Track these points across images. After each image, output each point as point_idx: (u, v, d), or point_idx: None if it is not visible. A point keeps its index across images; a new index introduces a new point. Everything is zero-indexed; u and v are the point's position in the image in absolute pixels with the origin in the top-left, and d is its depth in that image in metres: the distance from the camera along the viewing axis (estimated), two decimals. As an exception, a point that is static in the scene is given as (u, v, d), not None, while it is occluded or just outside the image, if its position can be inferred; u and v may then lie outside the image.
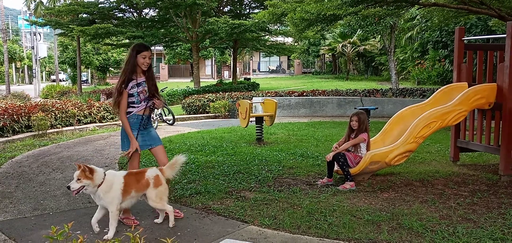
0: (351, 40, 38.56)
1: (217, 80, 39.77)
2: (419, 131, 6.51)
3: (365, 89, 20.04)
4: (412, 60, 31.35)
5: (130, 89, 4.95)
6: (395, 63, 25.97)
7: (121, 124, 5.07)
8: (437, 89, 7.90)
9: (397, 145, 6.56)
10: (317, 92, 19.07)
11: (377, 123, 12.67)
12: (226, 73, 53.54)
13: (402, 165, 7.27)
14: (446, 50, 27.15)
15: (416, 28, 29.21)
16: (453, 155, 7.98)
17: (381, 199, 5.77)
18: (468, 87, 7.12)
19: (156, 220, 5.01)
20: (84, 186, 4.38)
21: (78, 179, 4.34)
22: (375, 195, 5.94)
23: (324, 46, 43.49)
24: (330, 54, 46.16)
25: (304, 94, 18.58)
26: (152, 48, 45.16)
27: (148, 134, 5.18)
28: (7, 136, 11.15)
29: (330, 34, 40.12)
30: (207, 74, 58.63)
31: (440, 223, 4.85)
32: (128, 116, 5.03)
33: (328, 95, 18.26)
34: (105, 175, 4.54)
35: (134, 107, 5.03)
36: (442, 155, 8.60)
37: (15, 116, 11.73)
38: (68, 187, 4.36)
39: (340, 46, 39.24)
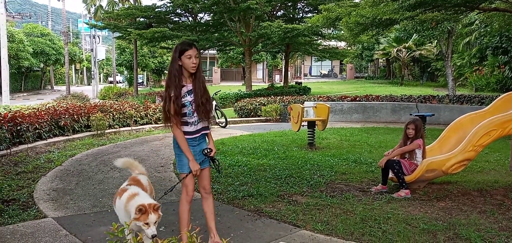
0: (407, 45, 37.70)
1: (268, 84, 39.86)
2: (478, 139, 6.30)
3: (420, 95, 19.56)
4: (470, 66, 30.32)
5: (182, 98, 4.06)
6: (452, 69, 25.21)
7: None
8: (496, 97, 7.64)
9: (455, 153, 6.38)
10: (370, 97, 18.78)
11: (433, 130, 12.35)
12: (277, 77, 53.55)
13: (459, 174, 7.05)
14: (506, 56, 26.12)
15: (475, 33, 28.26)
16: (514, 165, 7.68)
17: (437, 208, 5.63)
18: (532, 95, 6.84)
19: None
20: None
21: (155, 222, 3.75)
22: (431, 204, 5.81)
23: (378, 50, 42.72)
24: (384, 58, 45.32)
25: (357, 99, 18.35)
26: (206, 51, 45.81)
27: (200, 152, 4.26)
28: (67, 135, 11.62)
29: (384, 38, 39.38)
30: (259, 78, 58.87)
31: (499, 234, 4.69)
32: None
33: (381, 101, 17.95)
34: None
35: (188, 123, 4.14)
36: (501, 165, 8.28)
37: (75, 116, 12.21)
38: (154, 236, 3.68)
39: (395, 50, 38.45)
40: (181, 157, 4.19)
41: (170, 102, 4.00)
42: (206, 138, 4.32)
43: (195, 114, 4.11)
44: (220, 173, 4.42)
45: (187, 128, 4.14)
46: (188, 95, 4.06)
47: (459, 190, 6.49)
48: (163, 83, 53.05)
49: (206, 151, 4.21)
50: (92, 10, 45.41)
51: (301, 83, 37.83)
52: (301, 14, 30.55)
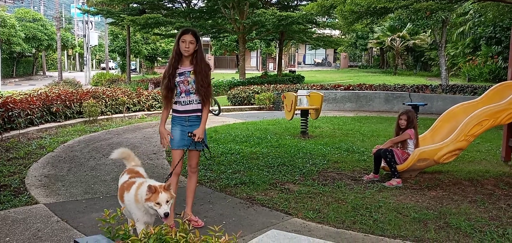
0: (401, 34, 37.74)
1: (262, 72, 39.82)
2: (470, 129, 6.34)
3: (413, 84, 19.60)
4: (463, 56, 30.40)
5: (176, 78, 4.44)
6: (446, 59, 25.27)
7: (170, 114, 4.63)
8: (489, 87, 7.68)
9: (447, 142, 6.41)
10: (363, 86, 18.80)
11: (426, 120, 12.39)
12: (271, 65, 53.54)
13: (451, 163, 7.09)
14: (499, 47, 26.21)
15: (469, 23, 28.30)
16: (504, 155, 7.71)
17: (428, 197, 5.67)
18: (524, 86, 6.87)
19: None
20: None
21: (167, 201, 3.63)
22: (422, 193, 5.84)
23: (372, 39, 42.74)
24: (378, 48, 45.36)
25: (351, 88, 18.37)
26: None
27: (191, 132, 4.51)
28: (59, 121, 11.55)
29: (379, 27, 39.36)
30: (252, 66, 58.76)
31: (489, 224, 4.73)
32: (172, 113, 4.61)
33: (375, 90, 17.97)
34: None
35: (176, 102, 4.51)
36: (492, 155, 8.33)
37: (67, 102, 12.14)
38: (167, 214, 3.56)
39: (389, 39, 38.48)
40: (172, 134, 4.56)
41: (163, 79, 4.52)
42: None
43: (183, 95, 4.46)
44: (208, 158, 5.10)
45: (175, 107, 4.53)
46: (179, 76, 4.44)
47: (450, 179, 6.53)
48: (156, 70, 53.05)
49: (189, 134, 4.48)
50: (85, -5, 45.05)
51: (294, 71, 37.81)
52: (295, 2, 30.44)
